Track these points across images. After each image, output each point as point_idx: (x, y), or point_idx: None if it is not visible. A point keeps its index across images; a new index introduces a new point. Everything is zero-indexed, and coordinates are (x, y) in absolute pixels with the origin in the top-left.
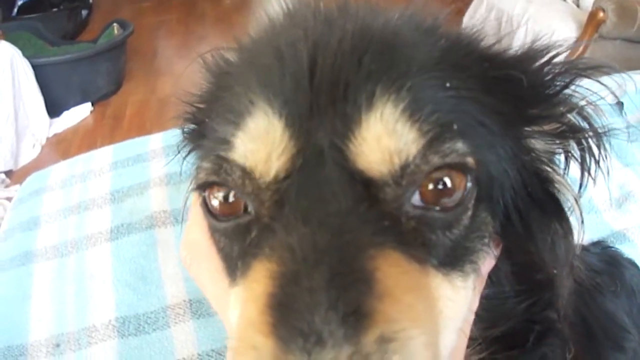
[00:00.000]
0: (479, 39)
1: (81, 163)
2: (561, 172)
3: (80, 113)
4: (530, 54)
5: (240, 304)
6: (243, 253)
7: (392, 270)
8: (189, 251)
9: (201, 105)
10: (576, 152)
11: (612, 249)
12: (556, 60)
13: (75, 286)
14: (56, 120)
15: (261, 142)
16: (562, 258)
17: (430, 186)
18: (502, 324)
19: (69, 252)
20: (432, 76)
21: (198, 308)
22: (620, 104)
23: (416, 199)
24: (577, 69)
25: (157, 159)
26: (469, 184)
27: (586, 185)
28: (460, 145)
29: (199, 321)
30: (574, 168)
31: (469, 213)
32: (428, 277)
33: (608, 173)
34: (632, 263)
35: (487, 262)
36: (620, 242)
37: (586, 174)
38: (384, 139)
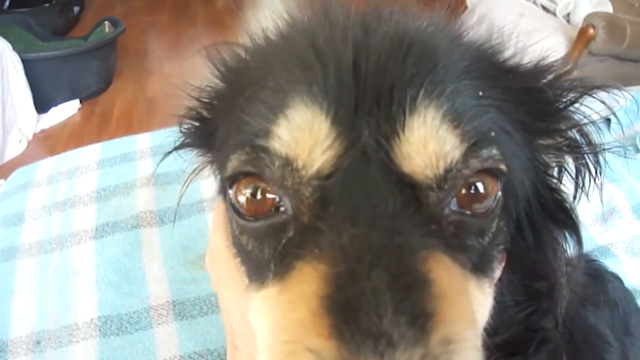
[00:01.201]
0: (497, 51)
1: (68, 160)
2: (560, 185)
3: (68, 110)
4: (540, 70)
5: (276, 306)
6: (279, 254)
7: (444, 273)
8: (211, 259)
9: (210, 101)
10: (570, 167)
11: (596, 262)
12: (564, 77)
13: (58, 283)
14: (44, 116)
15: (306, 132)
16: (563, 266)
17: (464, 191)
18: (502, 333)
19: (53, 249)
20: (467, 84)
21: (181, 309)
22: (608, 120)
23: (454, 203)
24: (584, 87)
25: (144, 159)
26: (500, 192)
27: (579, 199)
28: (495, 151)
29: (182, 323)
30: (565, 182)
31: (497, 221)
32: (468, 281)
33: (601, 189)
34: (616, 277)
35: (497, 272)
36: (605, 256)
37: (579, 188)
38: (430, 142)
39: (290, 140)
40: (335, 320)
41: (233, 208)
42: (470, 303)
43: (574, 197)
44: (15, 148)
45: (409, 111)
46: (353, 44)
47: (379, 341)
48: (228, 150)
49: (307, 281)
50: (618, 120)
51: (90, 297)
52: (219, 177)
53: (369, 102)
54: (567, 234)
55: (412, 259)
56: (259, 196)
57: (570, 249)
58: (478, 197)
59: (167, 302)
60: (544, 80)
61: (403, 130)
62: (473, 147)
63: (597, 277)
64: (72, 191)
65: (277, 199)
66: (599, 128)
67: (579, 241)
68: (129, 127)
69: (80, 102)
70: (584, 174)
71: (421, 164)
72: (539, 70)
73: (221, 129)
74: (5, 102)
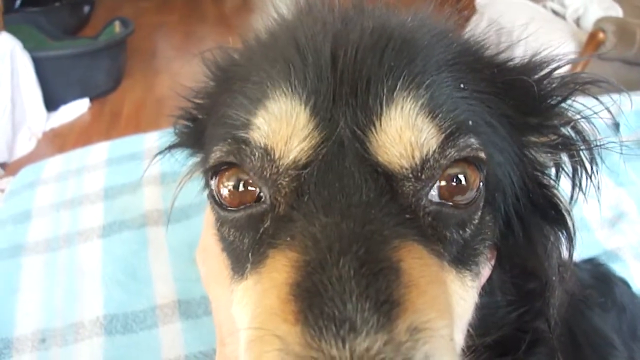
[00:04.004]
0: (486, 46)
1: (76, 158)
2: (554, 183)
3: (77, 108)
4: (533, 65)
5: (253, 296)
6: (256, 244)
7: (416, 262)
8: (201, 256)
9: (201, 101)
10: (567, 166)
11: (604, 266)
12: (556, 73)
13: (65, 281)
14: (53, 114)
15: (284, 123)
16: (555, 266)
17: (445, 182)
18: (493, 333)
19: (59, 247)
20: (448, 76)
21: (187, 309)
22: (616, 124)
23: (433, 194)
24: (576, 83)
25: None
26: (482, 183)
27: (577, 199)
28: (473, 140)
29: (187, 322)
30: (564, 182)
31: (479, 213)
32: (444, 272)
33: (598, 188)
34: (623, 281)
35: (485, 269)
36: (613, 261)
37: (577, 188)
38: (405, 132)
39: (268, 131)
40: (301, 306)
41: (214, 199)
42: (445, 294)
43: (571, 197)
44: (24, 146)
45: (385, 102)
46: (332, 38)
47: (341, 326)
48: (212, 143)
49: (278, 269)
50: (618, 122)
51: (96, 296)
52: (203, 171)
53: (346, 93)
54: (558, 232)
55: (383, 247)
56: (241, 188)
57: (564, 248)
58: (460, 188)
59: (173, 301)
60: (535, 76)
61: (379, 121)
62: (450, 136)
63: (604, 281)
64: (80, 189)
65: (258, 191)
66: (595, 126)
67: (570, 239)
68: (137, 126)
69: (90, 101)
70: (581, 173)
71: (396, 153)
72: (529, 66)
73: (209, 126)
74: (15, 101)
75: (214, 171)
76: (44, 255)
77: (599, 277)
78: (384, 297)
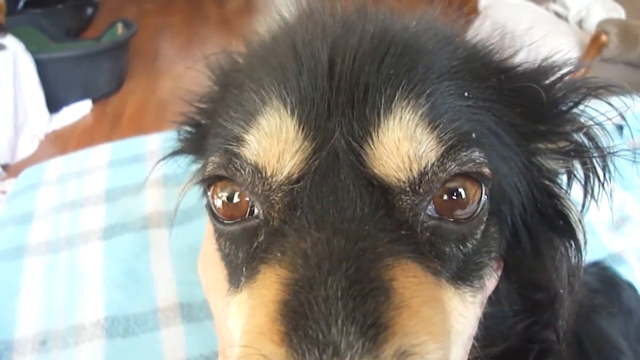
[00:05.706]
0: (494, 51)
1: (77, 160)
2: (564, 192)
3: (80, 110)
4: (542, 70)
5: (245, 311)
6: (249, 258)
7: (409, 281)
8: (202, 265)
9: (203, 106)
10: (579, 173)
11: (610, 269)
12: (566, 78)
13: (66, 283)
14: (56, 116)
15: (274, 140)
16: (564, 277)
17: (445, 197)
18: (500, 343)
19: (61, 249)
20: (451, 84)
21: (189, 312)
22: (620, 127)
23: (431, 209)
24: (588, 88)
25: (154, 160)
26: (485, 197)
27: (589, 206)
28: (477, 154)
29: (189, 325)
30: (576, 189)
31: (483, 227)
32: (441, 290)
33: (611, 195)
34: (629, 284)
35: (491, 280)
36: (618, 264)
37: (589, 195)
38: (403, 144)
39: (258, 148)
40: (287, 327)
41: (210, 211)
42: (442, 313)
43: (583, 205)
44: (27, 148)
45: (383, 112)
46: (331, 44)
47: (324, 351)
48: (209, 153)
49: (268, 286)
50: (628, 125)
51: (98, 298)
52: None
53: (342, 102)
54: (567, 243)
55: (374, 266)
56: (235, 199)
57: (573, 258)
58: (459, 203)
59: (175, 304)
60: (545, 82)
61: (376, 132)
62: (451, 149)
63: (611, 285)
64: (81, 191)
65: (252, 203)
66: (608, 133)
67: (578, 250)
68: (140, 127)
69: (93, 102)
70: (593, 180)
71: (393, 166)
72: (538, 71)
73: (210, 133)
74: (18, 102)
75: (208, 183)
76: (45, 257)
77: (606, 281)
78: (372, 320)
